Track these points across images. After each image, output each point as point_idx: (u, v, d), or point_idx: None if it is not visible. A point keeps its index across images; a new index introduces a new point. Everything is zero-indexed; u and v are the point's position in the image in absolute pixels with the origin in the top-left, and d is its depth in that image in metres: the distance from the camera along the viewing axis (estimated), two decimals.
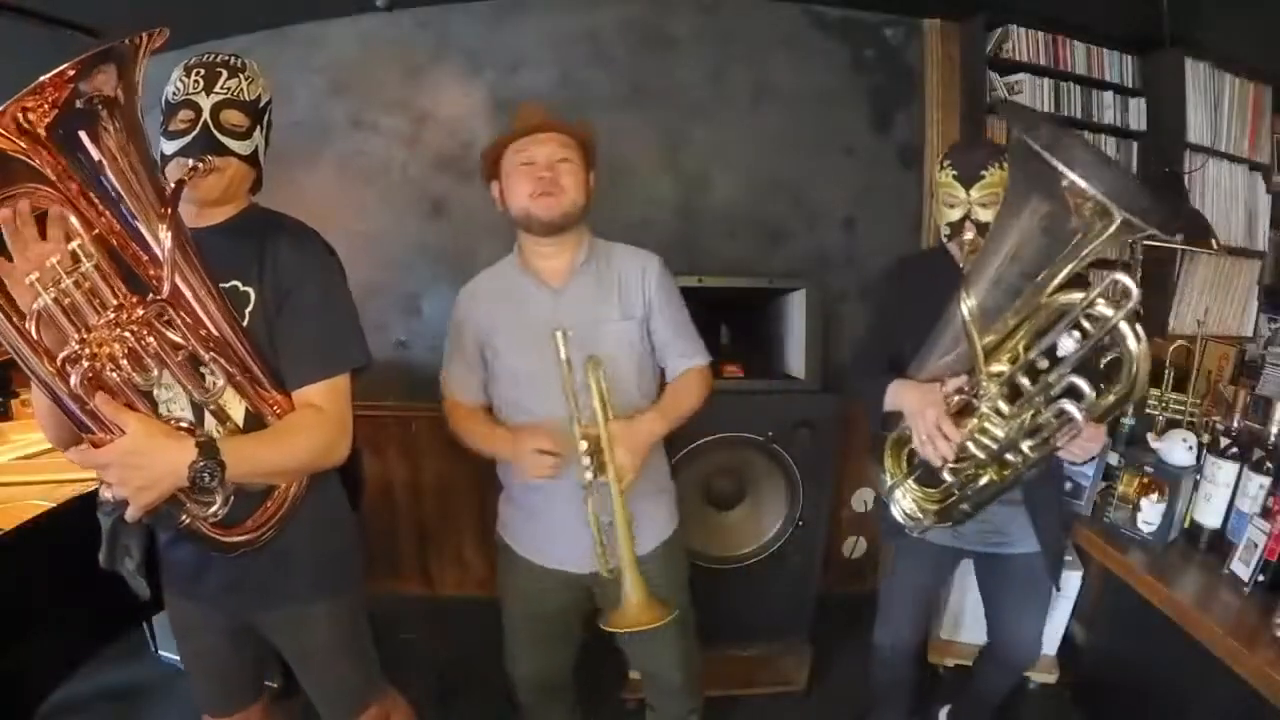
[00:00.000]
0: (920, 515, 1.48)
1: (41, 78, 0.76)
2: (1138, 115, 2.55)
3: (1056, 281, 1.15)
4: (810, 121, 2.56)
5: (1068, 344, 1.14)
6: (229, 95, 1.08)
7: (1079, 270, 1.14)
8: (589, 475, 1.31)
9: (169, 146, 1.07)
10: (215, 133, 1.07)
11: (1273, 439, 1.60)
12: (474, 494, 2.69)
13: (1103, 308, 1.09)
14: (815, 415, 2.00)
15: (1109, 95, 2.52)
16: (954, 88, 2.55)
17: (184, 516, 0.99)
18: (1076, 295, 1.12)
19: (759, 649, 2.17)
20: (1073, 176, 1.00)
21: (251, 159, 1.13)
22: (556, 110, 1.45)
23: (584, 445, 1.31)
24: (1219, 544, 1.62)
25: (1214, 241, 2.16)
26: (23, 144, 0.79)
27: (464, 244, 2.57)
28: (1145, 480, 1.70)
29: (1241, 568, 1.49)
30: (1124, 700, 1.97)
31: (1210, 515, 1.63)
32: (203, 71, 1.08)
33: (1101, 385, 1.15)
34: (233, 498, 1.01)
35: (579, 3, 2.47)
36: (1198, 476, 1.67)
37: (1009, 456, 1.28)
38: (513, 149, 1.40)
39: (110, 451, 0.89)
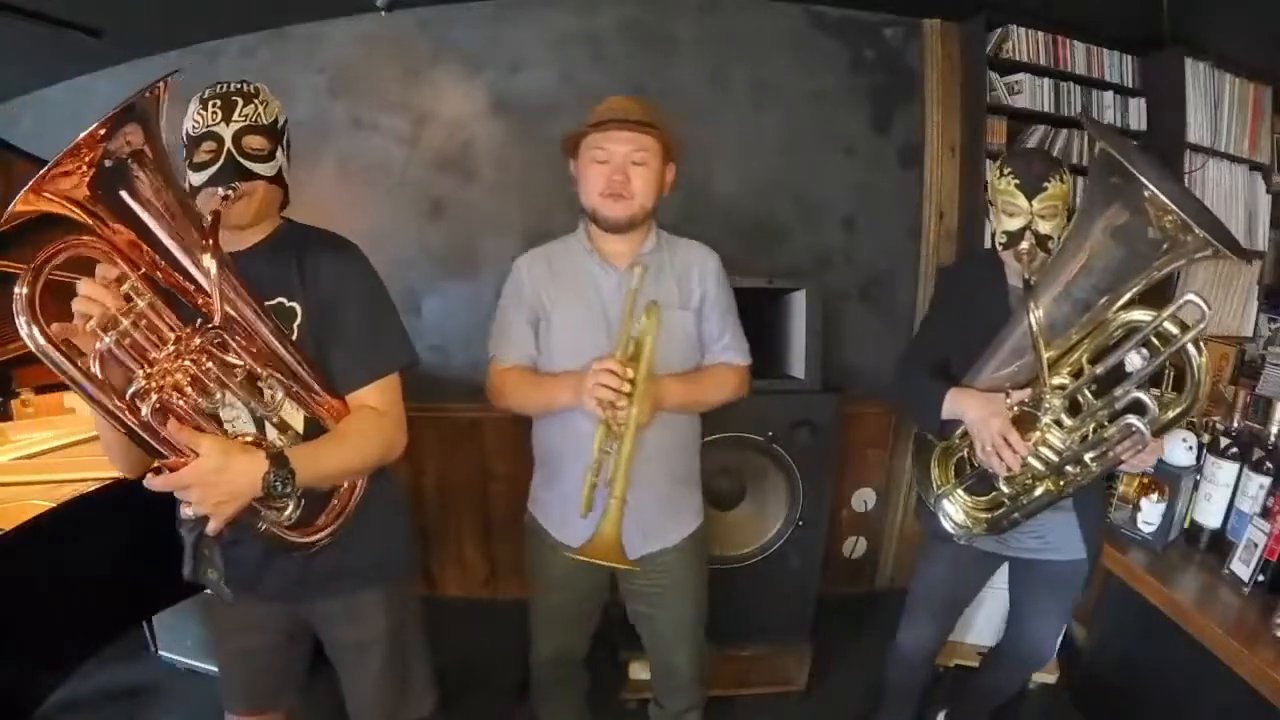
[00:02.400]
0: (970, 524, 1.48)
1: (76, 139, 0.80)
2: (1138, 115, 2.55)
3: (1125, 298, 1.17)
4: (810, 121, 2.56)
5: (1134, 360, 1.17)
6: (248, 122, 1.12)
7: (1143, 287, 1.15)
8: (621, 405, 1.28)
9: (196, 178, 1.10)
10: (239, 159, 1.10)
11: (1273, 439, 1.60)
12: (474, 494, 2.69)
13: (1170, 326, 1.11)
14: (815, 415, 2.00)
15: (1109, 95, 2.52)
16: (954, 88, 2.56)
17: (261, 524, 1.04)
18: (1145, 314, 1.14)
19: (759, 649, 2.17)
20: (1154, 190, 1.02)
21: (277, 179, 1.17)
22: (648, 103, 1.43)
23: (629, 373, 1.28)
24: (1219, 544, 1.62)
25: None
26: (66, 202, 0.84)
27: (464, 244, 2.58)
28: (1145, 480, 1.70)
29: (1241, 568, 1.49)
30: (1124, 700, 1.97)
31: (1210, 515, 1.63)
32: (219, 102, 1.11)
33: (1158, 395, 1.17)
34: (303, 500, 1.07)
35: (579, 3, 2.47)
36: (1198, 476, 1.67)
37: (1069, 469, 1.29)
38: (589, 140, 1.39)
39: (189, 474, 0.93)
